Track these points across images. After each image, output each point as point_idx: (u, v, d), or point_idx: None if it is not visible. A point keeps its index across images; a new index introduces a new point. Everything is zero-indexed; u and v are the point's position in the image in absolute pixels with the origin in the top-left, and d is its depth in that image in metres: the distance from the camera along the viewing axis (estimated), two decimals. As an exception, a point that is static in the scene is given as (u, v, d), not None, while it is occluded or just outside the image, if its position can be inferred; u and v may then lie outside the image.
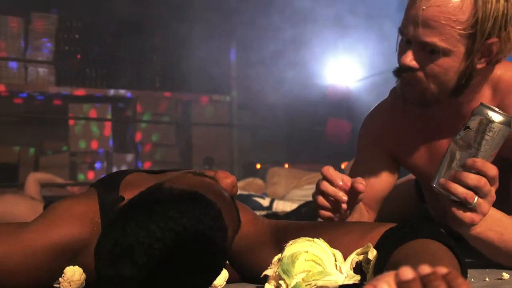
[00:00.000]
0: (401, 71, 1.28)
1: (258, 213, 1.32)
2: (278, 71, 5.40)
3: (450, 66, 1.24)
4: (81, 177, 5.43)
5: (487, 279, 1.17)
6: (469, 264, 1.02)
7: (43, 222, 1.09)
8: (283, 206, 3.50)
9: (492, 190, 1.10)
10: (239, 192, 1.13)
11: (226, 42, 5.89)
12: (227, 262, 1.15)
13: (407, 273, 0.62)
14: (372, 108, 1.57)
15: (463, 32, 1.20)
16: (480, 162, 1.09)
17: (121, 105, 5.84)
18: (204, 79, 5.59)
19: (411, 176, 1.82)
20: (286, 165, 5.13)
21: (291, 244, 1.01)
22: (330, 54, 5.58)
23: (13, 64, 5.36)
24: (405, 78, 1.28)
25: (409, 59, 1.25)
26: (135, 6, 5.38)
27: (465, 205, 1.11)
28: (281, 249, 1.03)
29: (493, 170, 1.09)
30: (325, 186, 1.19)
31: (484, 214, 1.12)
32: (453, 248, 0.94)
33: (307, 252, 0.98)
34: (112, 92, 5.67)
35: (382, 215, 1.51)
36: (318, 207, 1.22)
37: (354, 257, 1.00)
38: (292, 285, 0.96)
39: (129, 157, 5.64)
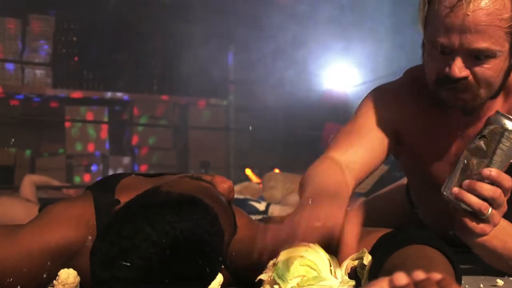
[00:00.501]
0: (450, 82, 1.21)
1: (254, 217, 1.32)
2: (276, 75, 5.41)
3: (499, 67, 1.20)
4: (77, 179, 5.41)
5: (481, 285, 1.17)
6: (464, 271, 1.02)
7: (39, 224, 1.08)
8: (279, 210, 3.50)
9: (505, 201, 1.08)
10: (235, 196, 1.13)
11: (224, 45, 5.89)
12: (222, 266, 1.15)
13: (401, 278, 0.62)
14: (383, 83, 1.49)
15: (508, 28, 1.16)
16: (495, 172, 1.05)
17: (118, 108, 5.84)
18: (201, 83, 5.60)
19: (401, 181, 1.82)
20: (276, 170, 5.10)
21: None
22: (329, 58, 5.59)
23: (10, 66, 5.35)
24: (457, 88, 1.21)
25: (459, 70, 1.18)
26: (133, 9, 5.38)
27: (477, 215, 1.07)
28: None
29: (508, 181, 1.06)
30: None
31: (495, 225, 1.09)
32: (448, 254, 0.94)
33: (302, 257, 0.98)
34: (109, 94, 5.67)
35: (373, 221, 1.49)
36: None
37: (349, 262, 1.00)
38: (287, 289, 0.96)
39: (126, 160, 5.63)
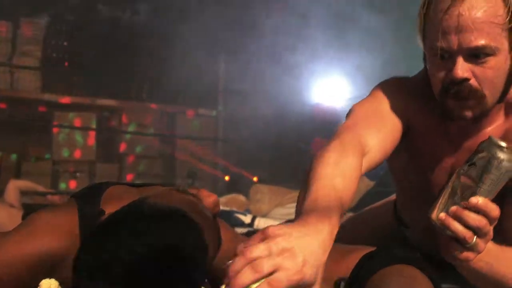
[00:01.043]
0: (455, 85, 1.20)
1: (239, 230, 1.32)
2: (266, 86, 5.43)
3: (500, 65, 1.19)
4: (63, 186, 5.38)
5: (465, 305, 1.17)
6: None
7: (21, 233, 1.07)
8: (265, 223, 3.49)
9: (491, 230, 1.06)
10: (221, 208, 1.13)
11: (215, 55, 5.90)
12: (206, 280, 1.15)
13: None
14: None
15: (504, 25, 1.15)
16: (483, 201, 1.03)
17: (106, 115, 5.82)
18: (191, 93, 5.60)
19: (389, 198, 1.82)
20: (255, 178, 5.07)
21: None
22: (321, 71, 5.61)
23: (-2, 69, 5.33)
24: (460, 92, 1.20)
25: (462, 71, 1.18)
26: (125, 16, 5.38)
27: (462, 243, 1.06)
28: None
29: (495, 211, 1.04)
30: None
31: (479, 253, 1.08)
32: (429, 273, 0.94)
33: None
34: (98, 101, 5.65)
35: (359, 238, 1.48)
36: None
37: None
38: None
39: (113, 167, 5.60)
